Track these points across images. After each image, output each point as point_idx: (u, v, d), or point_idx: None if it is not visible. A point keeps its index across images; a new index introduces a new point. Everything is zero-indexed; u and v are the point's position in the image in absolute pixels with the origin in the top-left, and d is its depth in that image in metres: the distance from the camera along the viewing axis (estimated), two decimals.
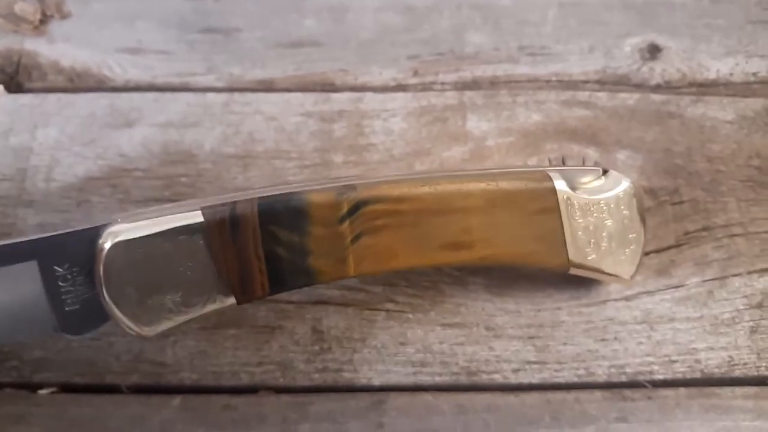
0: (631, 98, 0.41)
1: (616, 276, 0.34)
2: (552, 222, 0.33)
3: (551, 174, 0.33)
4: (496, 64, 0.42)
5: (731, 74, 0.42)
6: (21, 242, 0.29)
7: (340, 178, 0.33)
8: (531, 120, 0.40)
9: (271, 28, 0.43)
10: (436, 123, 0.40)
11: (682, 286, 0.36)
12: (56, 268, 0.29)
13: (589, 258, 0.33)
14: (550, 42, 0.43)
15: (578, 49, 0.43)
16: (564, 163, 0.39)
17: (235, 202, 0.30)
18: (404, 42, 0.43)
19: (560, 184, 0.33)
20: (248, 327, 0.34)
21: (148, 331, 0.30)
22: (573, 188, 0.33)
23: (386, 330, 0.35)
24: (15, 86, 0.41)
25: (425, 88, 0.41)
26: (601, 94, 0.41)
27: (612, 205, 0.33)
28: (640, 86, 0.42)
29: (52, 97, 0.40)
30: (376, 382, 0.34)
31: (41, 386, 0.34)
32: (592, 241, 0.33)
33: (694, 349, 0.35)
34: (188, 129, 0.39)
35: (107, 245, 0.29)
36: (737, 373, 0.34)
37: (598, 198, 0.33)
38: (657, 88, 0.42)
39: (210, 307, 0.30)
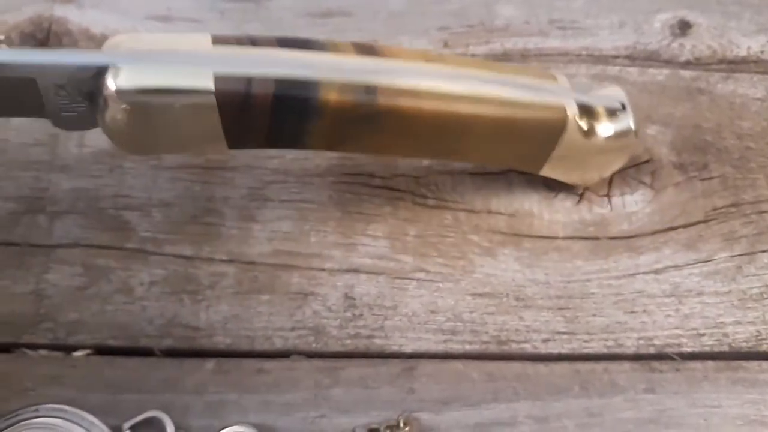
0: (660, 74, 0.41)
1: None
2: (545, 147, 0.34)
3: (567, 106, 0.33)
4: (526, 37, 0.42)
5: (762, 51, 0.42)
6: (23, 65, 0.29)
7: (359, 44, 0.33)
8: None
9: None
10: None
11: (710, 260, 0.36)
12: (57, 85, 0.29)
13: (559, 174, 0.36)
14: (581, 16, 0.43)
15: (608, 23, 0.43)
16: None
17: (250, 79, 0.29)
18: (434, 13, 0.42)
19: (572, 118, 0.33)
20: (281, 293, 0.35)
21: (137, 155, 0.33)
22: (581, 119, 0.34)
23: (417, 298, 0.35)
24: None
25: None
26: (631, 69, 0.41)
27: (604, 146, 0.34)
28: (669, 62, 0.42)
29: None
30: (407, 349, 0.34)
31: (76, 348, 0.34)
32: (572, 166, 0.36)
33: (722, 323, 0.35)
34: None
35: (111, 87, 0.28)
36: (765, 347, 0.35)
37: (596, 142, 0.34)
38: (687, 65, 0.42)
39: (200, 150, 0.34)
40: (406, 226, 0.37)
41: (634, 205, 0.37)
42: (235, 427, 0.31)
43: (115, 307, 0.34)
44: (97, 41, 0.41)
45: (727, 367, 0.34)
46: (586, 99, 0.34)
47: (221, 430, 0.31)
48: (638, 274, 0.36)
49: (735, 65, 0.42)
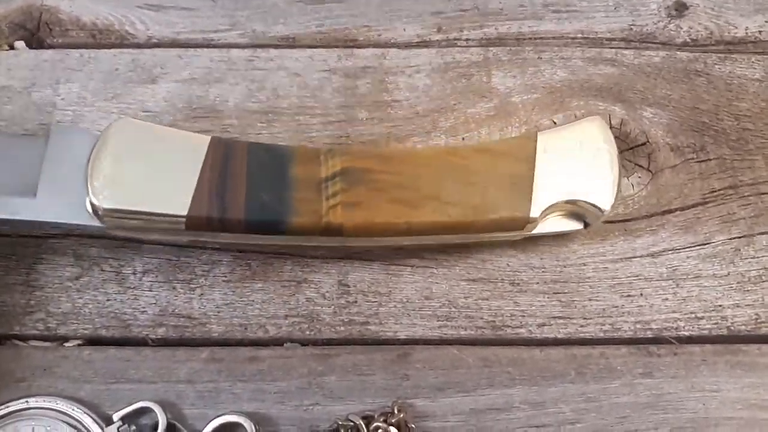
0: (657, 56, 0.40)
1: None
2: None
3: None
4: (521, 20, 0.41)
5: (760, 32, 0.41)
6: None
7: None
8: (556, 77, 0.39)
9: None
10: (460, 79, 0.39)
11: (708, 243, 0.36)
12: None
13: None
14: None
15: (603, 6, 0.42)
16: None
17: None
18: None
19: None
20: (275, 281, 0.35)
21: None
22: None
23: (411, 284, 0.35)
24: (36, 42, 0.41)
25: (449, 44, 0.41)
26: (627, 52, 0.41)
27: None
28: (666, 44, 0.41)
29: (75, 53, 0.40)
30: (402, 335, 0.34)
31: (68, 339, 0.34)
32: None
33: (720, 306, 0.35)
34: (212, 85, 0.39)
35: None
36: (764, 330, 0.34)
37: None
38: (683, 46, 0.41)
39: None
40: None
41: (630, 188, 0.37)
42: (228, 416, 0.31)
43: (107, 297, 0.34)
44: (88, 30, 0.41)
45: (726, 350, 0.34)
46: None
47: (214, 419, 0.31)
48: (635, 257, 0.36)
49: (732, 46, 0.41)
